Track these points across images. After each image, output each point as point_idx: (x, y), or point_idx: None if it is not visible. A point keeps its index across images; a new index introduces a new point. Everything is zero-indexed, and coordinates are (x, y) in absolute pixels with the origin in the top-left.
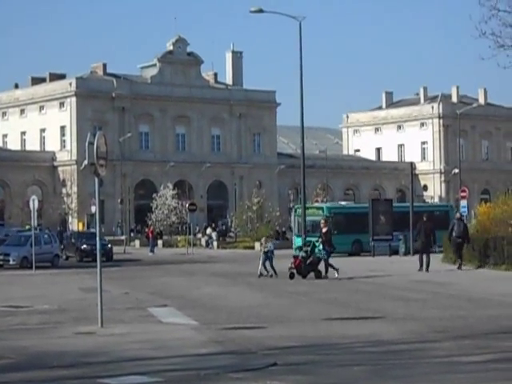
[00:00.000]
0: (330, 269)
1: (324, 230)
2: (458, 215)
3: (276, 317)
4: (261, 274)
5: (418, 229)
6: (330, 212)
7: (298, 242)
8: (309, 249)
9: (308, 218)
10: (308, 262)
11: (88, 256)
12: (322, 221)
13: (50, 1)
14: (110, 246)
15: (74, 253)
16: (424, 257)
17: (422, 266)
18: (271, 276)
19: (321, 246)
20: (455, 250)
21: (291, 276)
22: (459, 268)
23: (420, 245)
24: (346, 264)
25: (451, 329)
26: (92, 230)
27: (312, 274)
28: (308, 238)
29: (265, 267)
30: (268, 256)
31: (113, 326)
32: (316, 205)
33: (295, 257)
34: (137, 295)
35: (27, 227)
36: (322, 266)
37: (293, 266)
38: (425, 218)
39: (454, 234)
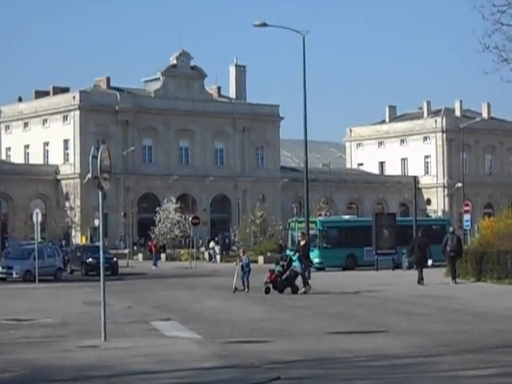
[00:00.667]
0: (307, 281)
1: (302, 243)
2: (451, 229)
3: (279, 331)
4: (236, 289)
5: (412, 244)
6: (323, 226)
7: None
8: (285, 263)
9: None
10: (284, 276)
11: (93, 270)
12: (300, 234)
13: (54, 15)
14: (115, 259)
15: (79, 266)
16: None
17: (421, 279)
18: (247, 291)
19: (297, 262)
20: (449, 264)
21: (267, 291)
22: (454, 282)
23: (415, 259)
24: (350, 278)
25: (455, 343)
26: (97, 244)
27: (289, 290)
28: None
29: (243, 281)
30: (244, 270)
31: (116, 339)
32: (310, 219)
33: (271, 271)
34: (140, 309)
35: (39, 240)
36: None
37: (268, 280)
38: (419, 234)
39: (447, 248)
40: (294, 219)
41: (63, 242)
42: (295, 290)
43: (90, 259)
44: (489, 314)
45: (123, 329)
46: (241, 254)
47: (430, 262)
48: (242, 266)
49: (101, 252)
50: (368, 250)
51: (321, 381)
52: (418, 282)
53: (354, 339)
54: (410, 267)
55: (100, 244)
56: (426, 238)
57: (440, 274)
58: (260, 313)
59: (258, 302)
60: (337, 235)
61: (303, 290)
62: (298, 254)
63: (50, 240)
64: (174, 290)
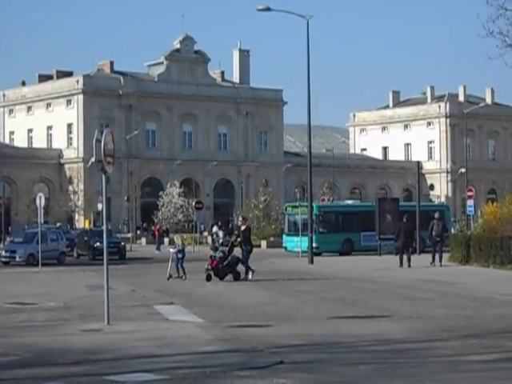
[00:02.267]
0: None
1: (243, 228)
2: (436, 215)
3: (282, 315)
4: (170, 276)
5: (397, 229)
6: (319, 210)
7: (288, 241)
8: (226, 249)
9: (299, 217)
10: (225, 263)
11: (101, 254)
12: (241, 218)
13: None
14: (123, 243)
15: (86, 251)
16: (404, 255)
17: (402, 263)
18: (181, 277)
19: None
20: (434, 248)
21: (208, 278)
22: (439, 264)
23: (400, 244)
24: (352, 263)
25: (458, 328)
26: (108, 228)
27: (230, 276)
28: (297, 237)
29: (177, 268)
30: (178, 256)
31: (119, 323)
32: (306, 203)
33: (212, 257)
34: (143, 293)
35: (58, 224)
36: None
37: (209, 267)
38: (405, 219)
39: (433, 233)
40: (289, 204)
41: (73, 226)
42: (237, 277)
43: (98, 243)
44: (492, 299)
45: (126, 312)
46: (176, 240)
47: (416, 246)
48: (177, 253)
49: (104, 236)
50: (365, 234)
51: (324, 365)
52: (401, 265)
53: (357, 324)
54: (413, 252)
55: (104, 228)
56: (412, 223)
57: (444, 258)
58: (263, 297)
59: (262, 287)
60: (333, 220)
61: (248, 275)
62: (239, 239)
63: (60, 224)
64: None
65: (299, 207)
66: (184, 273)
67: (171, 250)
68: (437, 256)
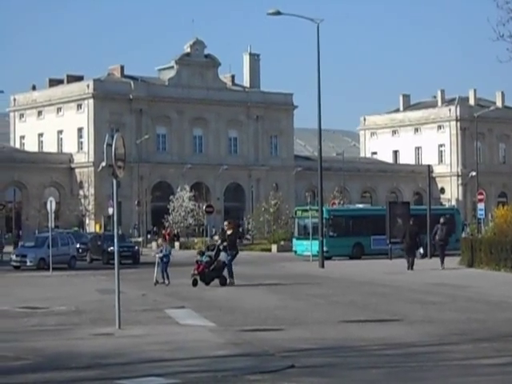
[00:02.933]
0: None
1: (229, 232)
2: (441, 220)
3: (293, 319)
4: (157, 282)
5: (403, 232)
6: (330, 214)
7: (298, 245)
8: (213, 253)
9: (309, 221)
10: (212, 267)
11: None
12: (226, 223)
13: (68, 3)
14: (136, 248)
15: (99, 255)
16: (410, 258)
17: (410, 265)
18: (167, 284)
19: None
20: (440, 251)
21: (194, 283)
22: (443, 267)
23: (405, 247)
24: (363, 266)
25: (469, 331)
26: (119, 232)
27: (217, 281)
28: (307, 241)
29: (162, 274)
30: (163, 260)
31: (130, 327)
32: (316, 207)
33: (198, 262)
34: (154, 297)
35: (74, 229)
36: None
37: (196, 272)
38: (411, 222)
39: (437, 237)
40: (299, 208)
41: (83, 231)
42: (223, 282)
43: (111, 248)
44: (503, 302)
45: (137, 317)
46: (160, 243)
47: (420, 250)
48: (162, 257)
49: (115, 240)
50: (375, 238)
51: (335, 369)
52: (408, 268)
53: (368, 328)
54: (423, 256)
55: (114, 232)
56: (416, 227)
57: (454, 262)
58: (274, 301)
59: (272, 291)
60: (343, 224)
61: (232, 280)
62: (224, 244)
63: (77, 229)
64: (187, 278)
65: (309, 211)
66: (167, 278)
67: (157, 255)
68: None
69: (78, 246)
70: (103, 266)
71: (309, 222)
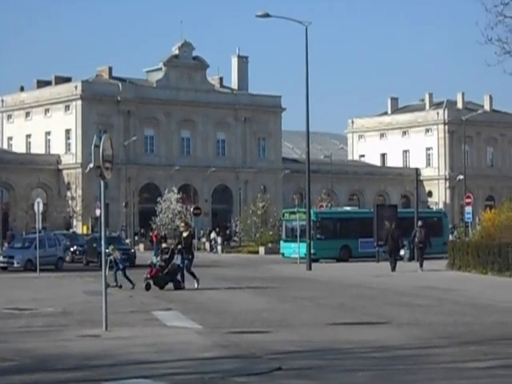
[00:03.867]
0: (191, 277)
1: (185, 234)
2: (420, 223)
3: (281, 321)
4: (108, 285)
5: (385, 235)
6: (317, 217)
7: (285, 247)
8: (167, 256)
9: (297, 223)
10: (165, 271)
11: (111, 261)
12: (182, 224)
13: (56, 4)
14: (133, 250)
15: (96, 258)
16: (392, 260)
17: (394, 268)
18: (120, 287)
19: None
20: (419, 254)
21: (147, 287)
22: (421, 269)
23: (388, 249)
24: (350, 269)
25: (456, 335)
26: (114, 235)
27: (171, 285)
28: (295, 243)
29: (115, 278)
30: (118, 265)
31: (117, 329)
32: (303, 209)
33: (151, 266)
34: (141, 299)
35: (71, 231)
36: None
37: (149, 275)
38: (393, 226)
39: (416, 239)
40: (287, 210)
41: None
42: (178, 286)
43: (107, 250)
44: (490, 306)
45: (124, 318)
46: (110, 252)
47: (402, 252)
48: (116, 262)
49: (103, 242)
50: (363, 241)
51: (322, 372)
52: (392, 270)
53: (356, 330)
54: (410, 259)
55: (102, 234)
56: (398, 230)
57: (441, 265)
58: (261, 303)
59: (260, 293)
60: (331, 226)
61: (196, 285)
62: (179, 247)
63: (74, 231)
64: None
65: (297, 213)
66: (116, 281)
67: (111, 258)
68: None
69: (74, 248)
70: (93, 268)
71: (296, 225)
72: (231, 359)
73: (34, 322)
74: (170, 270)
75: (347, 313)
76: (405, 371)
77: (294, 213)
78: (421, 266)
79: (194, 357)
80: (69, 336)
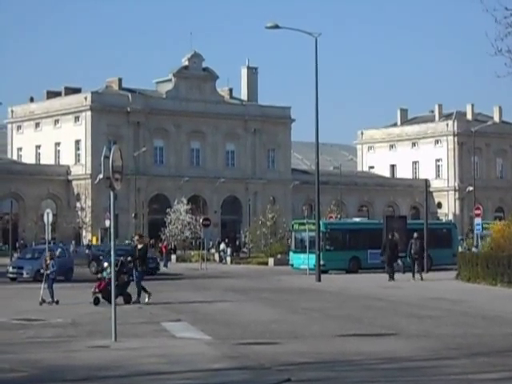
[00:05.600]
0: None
1: (139, 246)
2: (415, 235)
3: (290, 333)
4: (43, 301)
5: (383, 245)
6: (326, 228)
7: (294, 258)
8: (116, 269)
9: (306, 234)
10: (115, 284)
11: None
12: (137, 237)
13: (67, 15)
14: (158, 260)
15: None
16: (390, 269)
17: (392, 277)
18: (57, 302)
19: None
20: (413, 264)
21: (96, 301)
22: (414, 279)
23: (386, 259)
24: (359, 280)
25: (465, 346)
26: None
27: (121, 299)
28: (304, 255)
29: (50, 292)
30: (49, 278)
31: (126, 340)
32: (313, 221)
33: (100, 279)
34: (150, 310)
35: (89, 243)
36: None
37: (97, 289)
38: (390, 236)
39: (412, 251)
40: (296, 221)
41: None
42: (128, 299)
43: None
44: (500, 317)
45: (133, 329)
46: (47, 259)
47: (399, 262)
48: (48, 275)
49: (112, 252)
50: (372, 252)
51: (331, 383)
52: (389, 280)
53: (365, 342)
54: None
55: (111, 245)
56: (395, 241)
57: (451, 276)
58: (270, 315)
59: (269, 304)
60: (340, 238)
61: (147, 299)
62: (129, 259)
63: (90, 243)
64: (184, 291)
65: (306, 224)
66: (52, 296)
67: (45, 272)
68: (418, 274)
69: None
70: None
71: (306, 236)
72: (240, 370)
73: (43, 333)
74: (119, 283)
75: (356, 324)
76: (414, 383)
77: (303, 224)
78: (413, 276)
79: (204, 368)
80: (78, 347)
